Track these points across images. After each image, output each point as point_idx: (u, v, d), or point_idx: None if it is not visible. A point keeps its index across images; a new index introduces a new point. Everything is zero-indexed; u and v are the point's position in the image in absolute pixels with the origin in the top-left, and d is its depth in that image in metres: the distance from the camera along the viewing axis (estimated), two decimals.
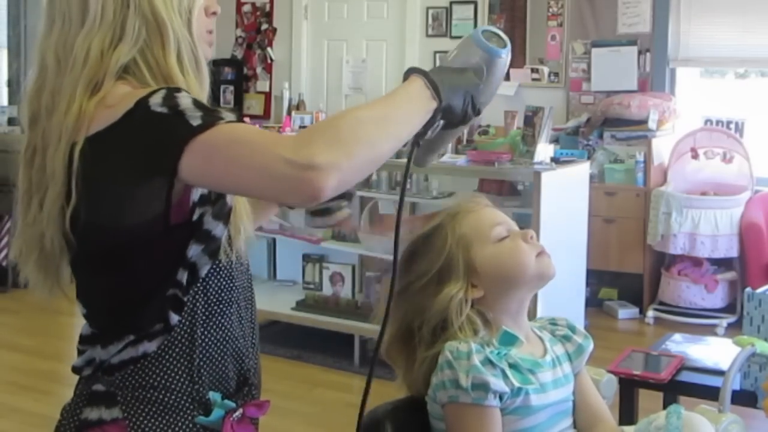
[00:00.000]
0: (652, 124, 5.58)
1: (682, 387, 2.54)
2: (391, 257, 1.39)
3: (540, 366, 1.56)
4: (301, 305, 4.83)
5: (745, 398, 2.35)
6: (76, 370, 1.38)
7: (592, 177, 4.91)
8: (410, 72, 1.30)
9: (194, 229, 1.30)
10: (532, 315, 1.69)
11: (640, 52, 5.91)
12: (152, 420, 1.30)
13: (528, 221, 3.94)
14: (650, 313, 5.38)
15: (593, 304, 5.39)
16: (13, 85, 6.94)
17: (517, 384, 1.50)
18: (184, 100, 1.22)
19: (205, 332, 1.35)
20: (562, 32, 6.17)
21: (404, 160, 1.40)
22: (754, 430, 2.86)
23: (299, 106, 6.63)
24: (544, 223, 3.96)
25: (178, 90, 1.25)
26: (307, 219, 1.66)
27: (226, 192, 1.31)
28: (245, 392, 1.41)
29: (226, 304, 1.37)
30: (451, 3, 6.52)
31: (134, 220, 1.25)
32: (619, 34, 5.97)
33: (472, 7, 6.44)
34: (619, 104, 5.68)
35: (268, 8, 7.23)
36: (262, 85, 7.29)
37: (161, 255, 1.29)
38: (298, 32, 7.12)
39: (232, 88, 7.31)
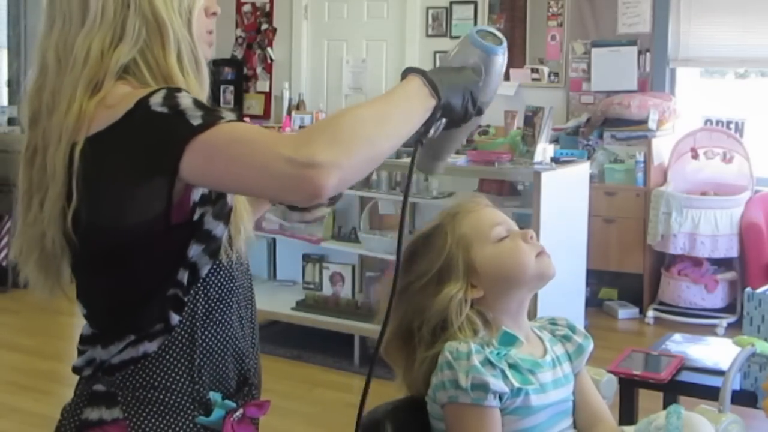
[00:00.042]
0: (652, 124, 5.58)
1: (682, 387, 2.54)
2: (391, 257, 1.39)
3: (540, 366, 1.56)
4: (301, 305, 4.83)
5: (745, 398, 2.35)
6: (76, 370, 1.38)
7: (592, 177, 4.91)
8: (408, 71, 1.30)
9: (195, 228, 1.30)
10: (531, 315, 1.69)
11: (640, 52, 5.91)
12: (153, 420, 1.30)
13: (528, 221, 3.94)
14: (650, 313, 5.38)
15: (593, 304, 5.39)
16: (13, 85, 6.94)
17: (516, 384, 1.50)
18: (185, 100, 1.22)
19: (206, 332, 1.35)
20: (562, 32, 6.17)
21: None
22: (754, 430, 2.87)
23: (299, 106, 6.63)
24: (544, 223, 3.96)
25: (179, 90, 1.25)
26: (285, 214, 1.65)
27: (227, 191, 1.31)
28: (245, 392, 1.41)
29: (227, 305, 1.38)
30: (451, 3, 6.52)
31: (135, 219, 1.25)
32: (619, 34, 5.98)
33: (472, 7, 6.44)
34: (619, 104, 5.68)
35: (268, 8, 7.24)
36: (262, 85, 7.29)
37: (162, 255, 1.29)
38: (298, 32, 7.12)
39: (232, 88, 7.31)
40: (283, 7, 7.15)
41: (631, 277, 5.55)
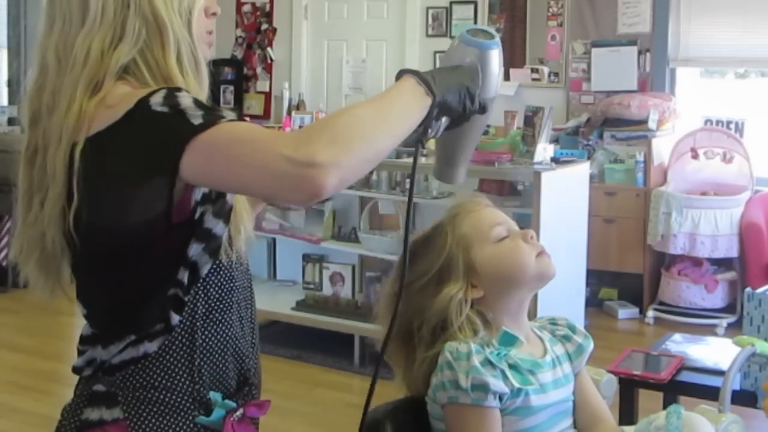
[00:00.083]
0: (652, 124, 5.58)
1: (682, 387, 2.54)
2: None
3: (540, 366, 1.56)
4: (301, 305, 4.83)
5: (745, 398, 2.35)
6: (76, 370, 1.38)
7: (592, 177, 4.91)
8: (402, 73, 1.30)
9: (195, 227, 1.30)
10: (531, 315, 1.69)
11: (640, 52, 5.91)
12: (153, 420, 1.30)
13: (528, 221, 3.94)
14: (650, 313, 5.38)
15: (593, 304, 5.39)
16: (13, 85, 6.94)
17: (516, 385, 1.50)
18: (185, 100, 1.22)
19: (206, 332, 1.35)
20: (562, 32, 6.17)
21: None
22: (754, 430, 2.87)
23: (299, 106, 6.63)
24: (544, 223, 3.96)
25: (179, 90, 1.25)
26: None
27: (227, 191, 1.31)
28: (245, 392, 1.41)
29: (227, 305, 1.38)
30: (451, 3, 6.52)
31: (136, 219, 1.25)
32: (619, 34, 5.97)
33: (472, 7, 6.44)
34: (619, 104, 5.68)
35: (268, 8, 7.24)
36: (262, 85, 7.29)
37: (162, 254, 1.29)
38: (298, 32, 7.12)
39: (232, 88, 7.30)
40: (283, 7, 7.15)
41: (631, 277, 5.54)
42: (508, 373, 1.50)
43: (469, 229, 1.60)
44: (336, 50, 6.98)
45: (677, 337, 2.89)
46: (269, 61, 7.24)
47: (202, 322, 1.34)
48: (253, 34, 7.30)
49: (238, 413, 1.36)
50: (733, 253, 5.29)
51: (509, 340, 1.54)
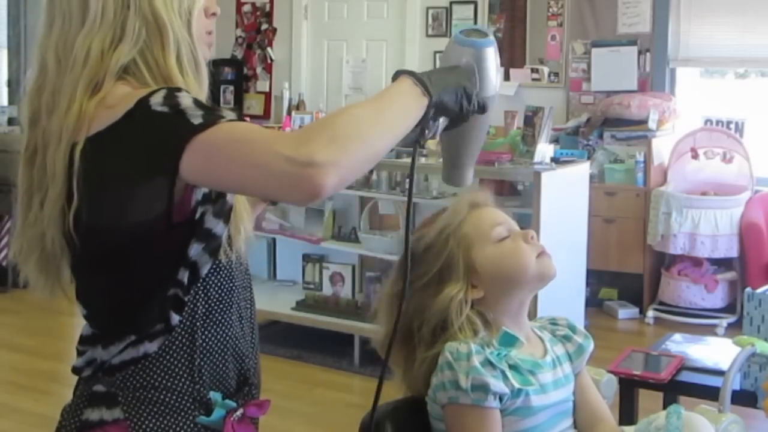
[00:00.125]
0: (652, 124, 5.58)
1: (682, 387, 2.54)
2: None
3: (540, 367, 1.56)
4: (301, 305, 4.83)
5: (745, 398, 2.35)
6: (76, 370, 1.38)
7: (592, 177, 4.91)
8: (398, 74, 1.30)
9: (195, 227, 1.30)
10: (531, 315, 1.69)
11: (640, 52, 5.91)
12: (153, 420, 1.30)
13: (528, 221, 3.94)
14: (650, 313, 5.38)
15: (593, 304, 5.39)
16: (12, 84, 6.94)
17: (517, 385, 1.50)
18: (185, 100, 1.23)
19: (206, 332, 1.35)
20: (562, 32, 6.17)
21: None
22: (754, 430, 2.87)
23: (299, 106, 6.63)
24: (544, 223, 3.96)
25: (179, 90, 1.25)
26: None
27: (227, 191, 1.31)
28: (245, 392, 1.41)
29: (227, 304, 1.38)
30: (451, 3, 6.52)
31: (136, 219, 1.25)
32: (619, 34, 5.97)
33: (472, 7, 6.44)
34: (619, 104, 5.68)
35: (268, 8, 7.24)
36: (262, 85, 7.29)
37: (162, 254, 1.29)
38: (298, 32, 7.12)
39: (232, 88, 7.30)
40: (283, 7, 7.15)
41: (631, 277, 5.54)
42: (509, 373, 1.50)
43: (470, 229, 1.60)
44: (336, 50, 6.98)
45: (677, 337, 2.88)
46: (269, 61, 7.24)
47: (202, 322, 1.34)
48: (253, 34, 7.30)
49: (238, 413, 1.36)
50: (733, 253, 5.29)
51: (509, 341, 1.54)
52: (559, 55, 6.19)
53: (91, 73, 1.28)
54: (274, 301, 4.87)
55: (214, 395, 1.35)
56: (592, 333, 1.73)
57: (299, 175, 1.13)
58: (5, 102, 7.04)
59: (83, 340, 1.37)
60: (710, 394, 2.27)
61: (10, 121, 6.47)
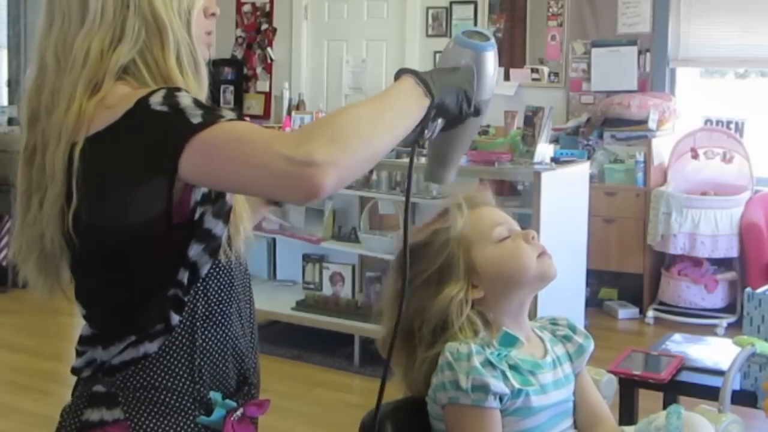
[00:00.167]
0: (652, 124, 5.58)
1: (682, 387, 2.54)
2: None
3: (540, 367, 1.56)
4: (301, 305, 4.83)
5: (745, 398, 2.35)
6: (75, 371, 1.38)
7: (592, 177, 4.91)
8: (401, 72, 1.30)
9: (195, 228, 1.30)
10: (531, 315, 1.69)
11: (640, 52, 5.91)
12: (154, 420, 1.30)
13: (528, 221, 3.94)
14: (650, 313, 5.38)
15: (593, 304, 5.39)
16: (12, 84, 6.94)
17: (517, 385, 1.50)
18: (185, 99, 1.23)
19: (206, 332, 1.35)
20: (562, 32, 6.17)
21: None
22: (754, 430, 2.86)
23: (299, 106, 6.63)
24: (544, 223, 3.96)
25: (179, 89, 1.25)
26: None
27: (226, 190, 1.31)
28: (245, 392, 1.41)
29: (227, 304, 1.38)
30: (451, 3, 6.52)
31: (136, 219, 1.25)
32: (619, 34, 5.97)
33: (472, 7, 6.44)
34: (619, 104, 5.68)
35: (268, 8, 7.24)
36: (262, 85, 7.29)
37: (162, 255, 1.29)
38: (298, 32, 7.12)
39: (232, 88, 7.31)
40: (283, 7, 7.15)
41: (631, 277, 5.54)
42: (509, 373, 1.50)
43: (470, 229, 1.60)
44: (336, 50, 6.98)
45: (677, 337, 2.88)
46: (269, 61, 7.24)
47: (202, 322, 1.34)
48: (253, 34, 7.30)
49: (238, 413, 1.36)
50: (733, 253, 5.29)
51: (510, 341, 1.54)
52: (559, 55, 6.19)
53: (90, 73, 1.28)
54: (274, 301, 4.87)
55: (214, 395, 1.35)
56: (592, 333, 1.73)
57: (298, 175, 1.13)
58: (5, 102, 7.04)
59: (83, 341, 1.37)
60: (710, 394, 2.27)
61: (10, 121, 6.47)
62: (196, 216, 1.29)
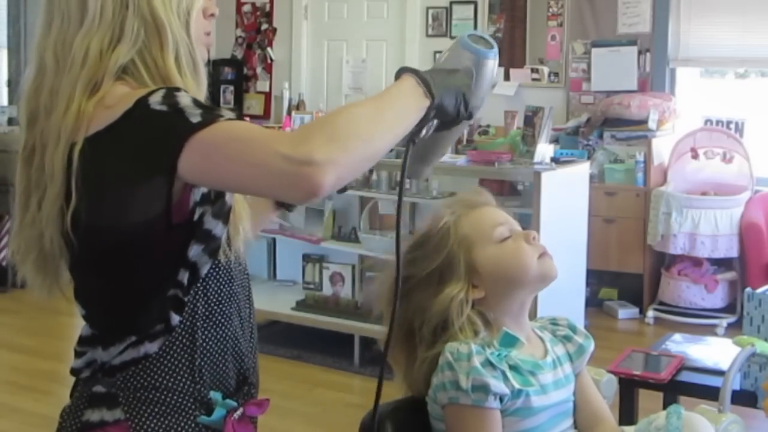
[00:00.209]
0: (652, 124, 5.58)
1: (682, 387, 2.54)
2: (391, 257, 1.39)
3: (540, 367, 1.56)
4: (301, 305, 4.83)
5: (745, 398, 2.35)
6: (74, 371, 1.38)
7: (592, 177, 4.91)
8: (402, 71, 1.30)
9: (195, 229, 1.30)
10: (531, 315, 1.68)
11: (640, 52, 5.90)
12: (155, 420, 1.30)
13: (528, 221, 3.94)
14: (650, 313, 5.38)
15: (593, 304, 5.39)
16: (12, 84, 6.94)
17: (517, 386, 1.50)
18: (184, 99, 1.23)
19: (206, 332, 1.35)
20: (562, 32, 6.17)
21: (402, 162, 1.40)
22: (754, 430, 2.86)
23: (299, 106, 6.63)
24: (544, 223, 3.96)
25: (178, 89, 1.25)
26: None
27: (226, 189, 1.31)
28: (245, 391, 1.41)
29: (227, 304, 1.38)
30: (451, 3, 6.52)
31: (136, 219, 1.25)
32: (619, 34, 5.97)
33: (472, 7, 6.44)
34: (619, 104, 5.68)
35: (268, 8, 7.23)
36: (262, 85, 7.29)
37: (162, 255, 1.29)
38: (298, 32, 7.12)
39: (232, 88, 7.31)
40: (283, 7, 7.15)
41: (631, 277, 5.54)
42: (509, 374, 1.50)
43: (471, 229, 1.59)
44: (336, 50, 6.98)
45: (677, 337, 2.88)
46: (269, 61, 7.24)
47: (202, 322, 1.34)
48: (253, 34, 7.29)
49: (238, 412, 1.36)
50: (733, 253, 5.29)
51: (510, 341, 1.54)
52: (559, 55, 6.19)
53: (89, 73, 1.28)
54: (274, 301, 4.87)
55: (215, 395, 1.35)
56: (592, 333, 1.73)
57: (298, 174, 1.13)
58: (5, 102, 7.04)
59: (82, 341, 1.37)
60: (710, 394, 2.27)
61: (10, 121, 6.47)
62: (196, 217, 1.29)
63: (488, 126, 5.97)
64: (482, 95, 1.38)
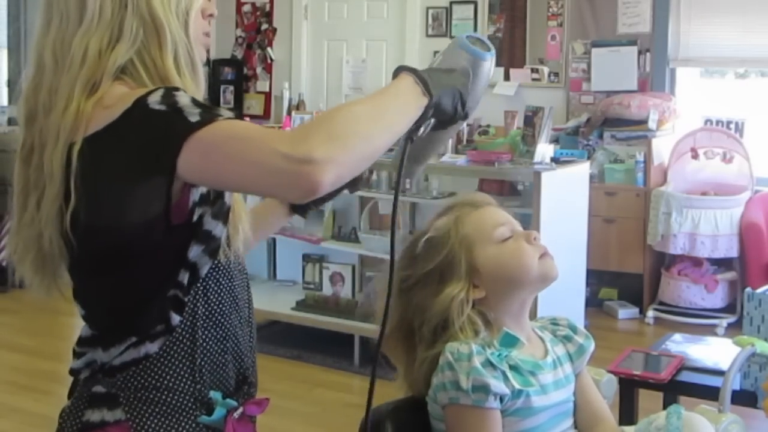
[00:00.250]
0: (652, 124, 5.58)
1: (682, 387, 2.54)
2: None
3: (541, 368, 1.56)
4: (301, 305, 4.83)
5: (745, 398, 2.35)
6: (73, 372, 1.38)
7: (592, 177, 4.91)
8: (399, 70, 1.31)
9: (194, 229, 1.30)
10: (532, 315, 1.68)
11: (640, 52, 5.90)
12: (155, 420, 1.30)
13: (528, 221, 3.94)
14: (650, 313, 5.38)
15: (593, 304, 5.39)
16: (12, 84, 6.94)
17: (517, 386, 1.50)
18: (183, 99, 1.23)
19: (206, 332, 1.35)
20: (562, 32, 6.17)
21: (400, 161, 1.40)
22: (754, 430, 2.86)
23: (299, 106, 6.63)
24: (544, 223, 3.96)
25: (177, 89, 1.25)
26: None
27: (225, 189, 1.31)
28: (245, 391, 1.41)
29: (226, 304, 1.38)
30: (451, 3, 6.52)
31: (135, 219, 1.24)
32: (619, 34, 5.97)
33: (472, 7, 6.44)
34: (619, 104, 5.68)
35: (268, 8, 7.23)
36: (262, 85, 7.29)
37: (162, 256, 1.29)
38: (298, 32, 7.12)
39: (232, 88, 7.30)
40: (283, 7, 7.15)
41: (631, 277, 5.54)
42: (509, 374, 1.50)
43: (472, 229, 1.59)
44: (336, 50, 6.98)
45: (677, 337, 2.88)
46: (269, 61, 7.24)
47: (202, 321, 1.34)
48: (253, 34, 7.29)
49: (238, 412, 1.37)
50: (733, 253, 5.29)
51: (510, 341, 1.54)
52: (559, 55, 6.19)
53: (88, 73, 1.28)
54: (274, 301, 4.87)
55: (215, 394, 1.35)
56: (592, 333, 1.72)
57: (297, 173, 1.13)
58: (5, 102, 7.04)
59: (82, 342, 1.37)
60: (710, 394, 2.27)
61: (10, 121, 6.47)
62: (195, 217, 1.29)
63: (488, 126, 5.97)
64: (478, 96, 1.39)
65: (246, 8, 7.29)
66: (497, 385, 1.47)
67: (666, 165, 5.60)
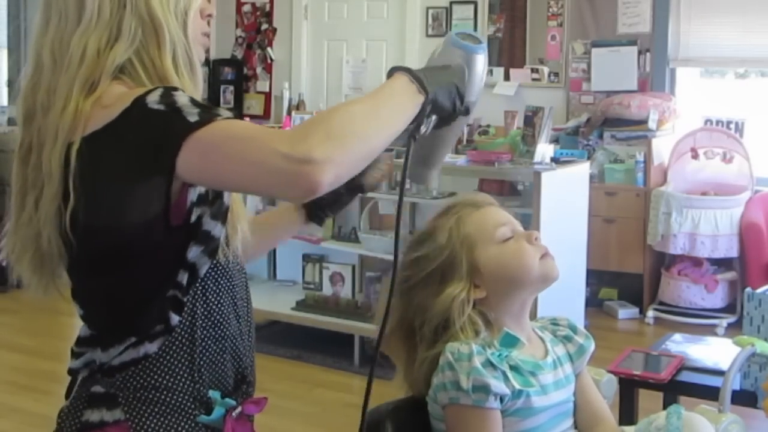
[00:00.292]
0: (652, 124, 5.58)
1: (682, 387, 2.54)
2: (391, 257, 1.39)
3: (541, 368, 1.56)
4: (301, 305, 4.83)
5: (745, 398, 2.35)
6: (72, 372, 1.38)
7: (592, 177, 4.91)
8: (394, 70, 1.31)
9: (193, 230, 1.29)
10: (532, 315, 1.68)
11: (640, 52, 5.90)
12: (155, 420, 1.30)
13: (528, 221, 3.94)
14: (650, 313, 5.38)
15: (593, 304, 5.39)
16: (12, 84, 6.94)
17: (518, 386, 1.50)
18: (182, 98, 1.23)
19: (205, 332, 1.35)
20: (562, 32, 6.17)
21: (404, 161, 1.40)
22: (754, 430, 2.86)
23: (299, 106, 6.63)
24: (544, 223, 3.96)
25: (175, 89, 1.25)
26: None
27: (224, 188, 1.31)
28: (243, 390, 1.41)
29: (225, 304, 1.38)
30: (451, 3, 6.51)
31: (134, 219, 1.24)
32: (619, 34, 5.97)
33: (472, 7, 6.44)
34: (619, 104, 5.68)
35: (268, 8, 7.23)
36: (262, 85, 7.29)
37: (161, 257, 1.29)
38: (298, 32, 7.12)
39: (232, 88, 7.30)
40: (283, 7, 7.15)
41: (631, 277, 5.54)
42: (509, 374, 1.50)
43: (473, 229, 1.59)
44: (336, 50, 6.98)
45: (677, 337, 2.88)
46: (269, 61, 7.24)
47: (201, 321, 1.34)
48: (253, 34, 7.29)
49: (237, 411, 1.37)
50: (733, 253, 5.29)
51: (511, 342, 1.54)
52: (559, 55, 6.19)
53: (87, 73, 1.28)
54: (274, 301, 4.87)
55: (214, 394, 1.35)
56: (592, 333, 1.72)
57: (296, 172, 1.13)
58: (5, 102, 7.04)
59: (81, 342, 1.37)
60: (710, 394, 2.27)
61: (10, 121, 6.47)
62: (194, 218, 1.29)
63: (488, 126, 5.97)
64: (476, 91, 1.39)
65: (246, 8, 7.29)
66: (497, 385, 1.47)
67: (666, 165, 5.60)
